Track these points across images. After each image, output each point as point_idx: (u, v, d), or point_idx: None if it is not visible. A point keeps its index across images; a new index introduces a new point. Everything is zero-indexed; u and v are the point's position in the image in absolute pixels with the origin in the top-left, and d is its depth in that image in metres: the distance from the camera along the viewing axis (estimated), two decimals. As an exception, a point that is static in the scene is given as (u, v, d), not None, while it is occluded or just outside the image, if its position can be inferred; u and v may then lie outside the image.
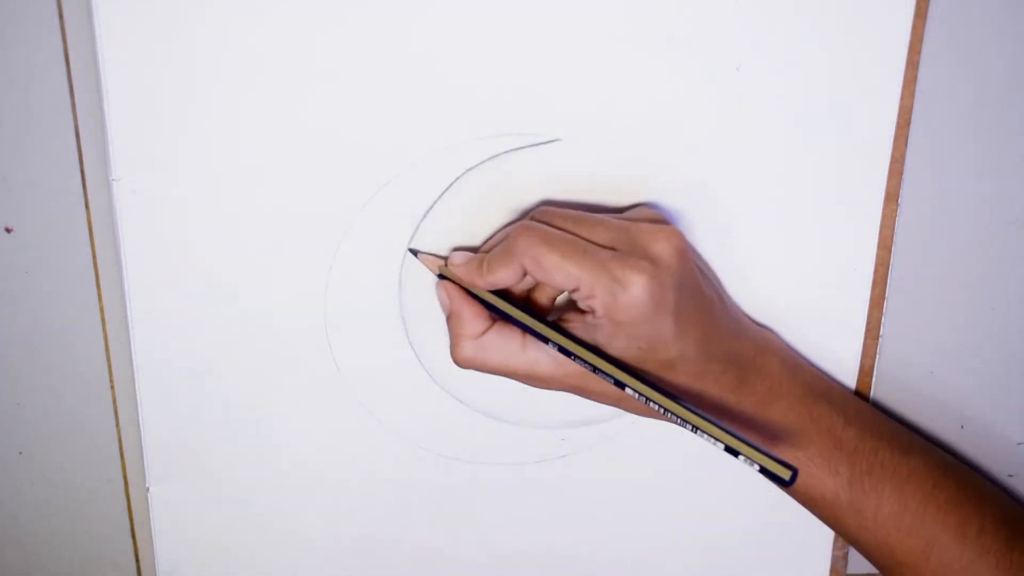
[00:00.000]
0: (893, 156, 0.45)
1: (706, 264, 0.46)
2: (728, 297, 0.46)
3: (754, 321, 0.46)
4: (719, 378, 0.42)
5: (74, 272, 0.45)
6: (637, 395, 0.39)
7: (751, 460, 0.38)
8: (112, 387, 0.47)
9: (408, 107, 0.42)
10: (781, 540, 0.51)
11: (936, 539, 0.43)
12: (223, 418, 0.47)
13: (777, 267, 0.46)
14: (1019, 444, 0.49)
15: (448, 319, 0.43)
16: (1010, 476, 0.49)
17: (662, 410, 0.39)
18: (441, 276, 0.44)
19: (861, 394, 0.48)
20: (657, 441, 0.48)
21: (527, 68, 0.42)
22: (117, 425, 0.48)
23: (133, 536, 0.50)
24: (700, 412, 0.39)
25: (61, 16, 0.41)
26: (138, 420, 0.46)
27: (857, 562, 0.50)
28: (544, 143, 0.43)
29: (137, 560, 0.51)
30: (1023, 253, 0.47)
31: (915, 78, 0.43)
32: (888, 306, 0.47)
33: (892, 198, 0.45)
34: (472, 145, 0.43)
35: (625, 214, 0.43)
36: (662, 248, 0.39)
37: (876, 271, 0.46)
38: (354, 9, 0.41)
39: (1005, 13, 0.43)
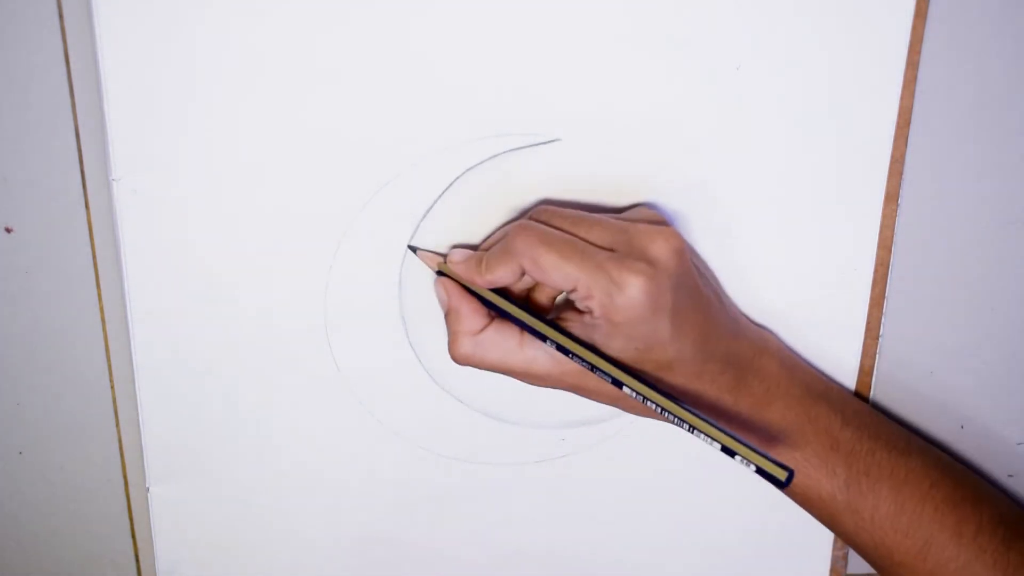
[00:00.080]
0: (893, 156, 0.45)
1: (705, 264, 0.46)
2: (727, 297, 0.46)
3: (752, 322, 0.46)
4: (717, 378, 0.42)
5: (74, 272, 0.45)
6: (634, 394, 0.39)
7: (747, 461, 0.38)
8: (112, 387, 0.47)
9: (408, 107, 0.42)
10: (781, 540, 0.51)
11: (933, 539, 0.43)
12: (223, 418, 0.47)
13: (777, 267, 0.46)
14: (1019, 444, 0.49)
15: (446, 315, 0.43)
16: (1010, 476, 0.49)
17: (659, 409, 0.39)
18: (440, 273, 0.44)
19: (861, 394, 0.48)
20: (657, 441, 0.48)
21: (527, 68, 0.42)
22: (117, 425, 0.48)
23: (133, 536, 0.50)
24: (697, 412, 0.39)
25: (61, 16, 0.41)
26: (138, 420, 0.47)
27: (857, 562, 0.50)
28: (544, 143, 0.43)
29: (137, 560, 0.51)
30: (1023, 253, 0.47)
31: (915, 78, 0.43)
32: (888, 306, 0.47)
33: (892, 198, 0.45)
34: (472, 145, 0.43)
35: (624, 214, 0.43)
36: (660, 249, 0.39)
37: (876, 271, 0.46)
38: (354, 9, 0.41)
39: (1005, 13, 0.43)
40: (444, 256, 0.44)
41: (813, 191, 0.45)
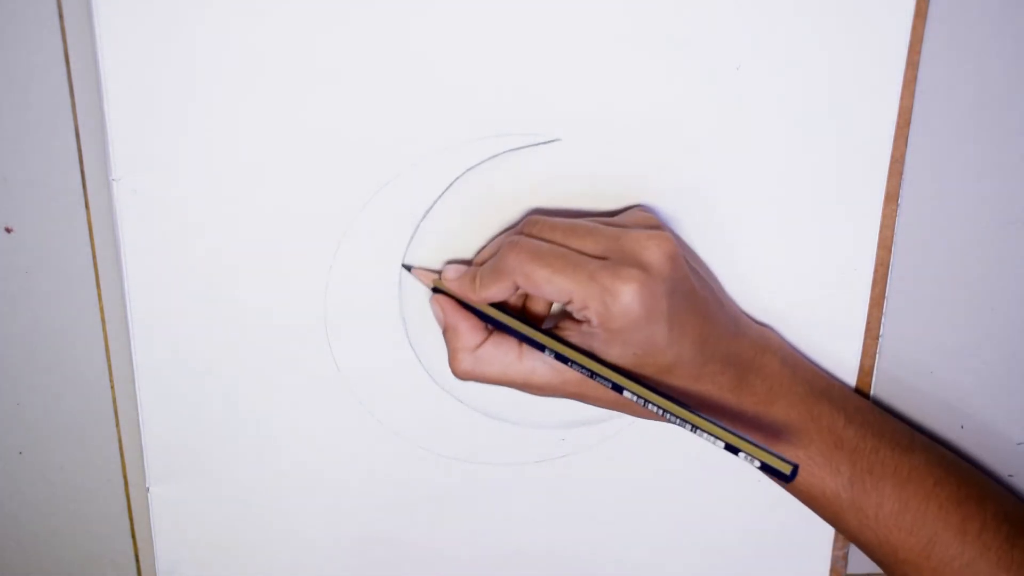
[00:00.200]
0: (893, 156, 0.45)
1: (703, 264, 0.46)
2: (726, 297, 0.46)
3: (753, 319, 0.46)
4: (718, 379, 0.42)
5: (74, 272, 0.45)
6: (635, 398, 0.39)
7: (751, 457, 0.38)
8: (112, 387, 0.47)
9: (408, 107, 0.42)
10: (781, 540, 0.51)
11: (937, 537, 0.43)
12: (223, 418, 0.47)
13: (777, 267, 0.46)
14: (1019, 444, 0.49)
15: (444, 333, 0.43)
16: (1010, 476, 0.49)
17: (661, 412, 0.39)
18: (435, 289, 0.44)
19: (861, 394, 0.48)
20: (657, 441, 0.48)
21: (527, 68, 0.42)
22: (117, 425, 0.48)
23: (133, 536, 0.50)
24: (698, 412, 0.39)
25: (61, 16, 0.41)
26: (138, 420, 0.47)
27: (857, 562, 0.50)
28: (544, 143, 0.43)
29: (137, 560, 0.51)
30: (1023, 253, 0.47)
31: (915, 78, 0.43)
32: (888, 306, 0.47)
33: (892, 198, 0.45)
34: (472, 145, 0.43)
35: (617, 218, 0.43)
36: (653, 255, 0.39)
37: (876, 271, 0.46)
38: (354, 9, 0.41)
39: (1005, 13, 0.43)
40: (438, 272, 0.44)
41: (813, 191, 0.45)
